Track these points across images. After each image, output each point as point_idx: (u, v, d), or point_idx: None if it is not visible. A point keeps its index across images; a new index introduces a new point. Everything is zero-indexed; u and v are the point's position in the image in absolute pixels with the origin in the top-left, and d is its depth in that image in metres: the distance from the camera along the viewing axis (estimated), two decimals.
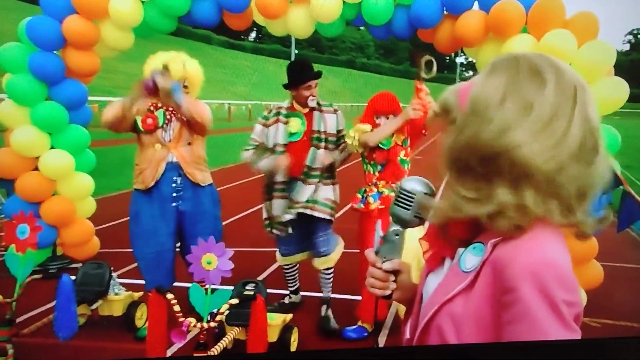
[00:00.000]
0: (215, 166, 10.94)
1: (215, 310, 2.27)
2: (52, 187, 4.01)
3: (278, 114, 3.31)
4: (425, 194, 0.93)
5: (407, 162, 3.21)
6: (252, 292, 2.71)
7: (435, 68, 2.89)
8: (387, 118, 3.13)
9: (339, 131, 3.36)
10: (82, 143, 4.11)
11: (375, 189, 3.14)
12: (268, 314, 2.66)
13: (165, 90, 2.93)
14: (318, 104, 3.33)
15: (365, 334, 3.20)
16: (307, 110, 3.30)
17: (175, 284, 3.26)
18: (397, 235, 0.96)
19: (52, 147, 3.96)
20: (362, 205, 3.15)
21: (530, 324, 0.72)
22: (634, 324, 3.40)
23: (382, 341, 3.22)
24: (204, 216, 3.19)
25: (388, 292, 0.97)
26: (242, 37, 68.68)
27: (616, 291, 3.89)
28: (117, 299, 3.20)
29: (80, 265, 3.38)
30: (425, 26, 3.57)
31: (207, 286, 2.18)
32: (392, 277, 0.97)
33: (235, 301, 2.31)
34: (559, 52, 3.08)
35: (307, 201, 3.26)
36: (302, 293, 3.76)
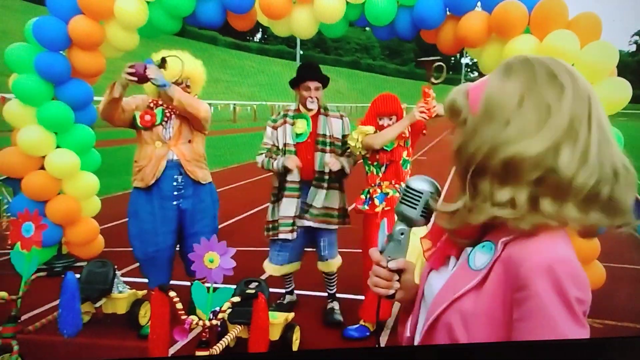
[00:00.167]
0: (220, 166, 10.98)
1: (217, 309, 2.29)
2: (57, 186, 4.05)
3: (285, 115, 3.37)
4: (432, 193, 0.93)
5: (408, 163, 3.22)
6: (254, 291, 2.73)
7: (444, 73, 2.93)
8: (390, 119, 3.15)
9: (344, 136, 3.38)
10: (88, 143, 4.15)
11: (379, 190, 3.15)
12: (270, 312, 2.68)
13: (154, 82, 2.91)
14: (325, 108, 3.36)
15: (367, 333, 3.22)
16: (312, 113, 3.33)
17: (177, 282, 3.28)
18: (402, 234, 0.95)
19: (57, 147, 3.99)
20: (367, 207, 3.16)
21: (543, 320, 0.73)
22: (635, 325, 3.39)
23: (383, 341, 3.23)
24: (204, 214, 3.21)
25: (392, 292, 0.97)
26: (248, 38, 68.84)
27: (618, 292, 3.88)
28: (121, 297, 3.23)
29: (85, 263, 3.41)
30: (428, 27, 3.57)
31: (209, 284, 2.20)
32: (397, 277, 0.97)
33: (237, 299, 2.33)
34: (562, 53, 3.08)
35: (325, 215, 3.29)
36: (303, 292, 3.79)
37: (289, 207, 3.29)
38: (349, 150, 3.33)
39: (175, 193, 3.11)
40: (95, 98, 4.14)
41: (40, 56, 3.70)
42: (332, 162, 3.24)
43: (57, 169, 3.95)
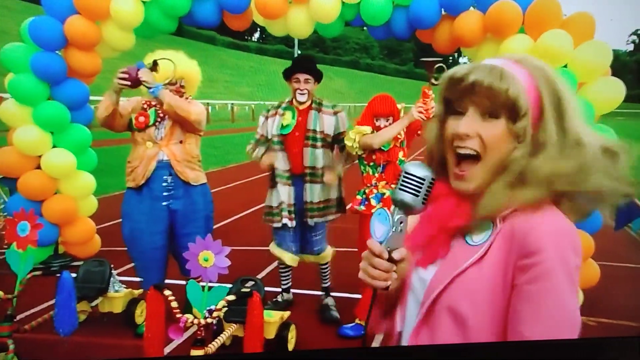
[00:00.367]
0: (219, 166, 10.99)
1: (213, 307, 2.30)
2: (54, 185, 4.05)
3: (278, 107, 3.41)
4: (432, 179, 0.91)
5: (404, 163, 3.23)
6: (249, 290, 2.74)
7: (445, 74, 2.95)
8: (387, 120, 3.16)
9: (340, 133, 3.39)
10: (84, 142, 4.15)
11: (375, 190, 3.16)
12: (266, 311, 2.69)
13: (146, 84, 2.92)
14: (319, 103, 3.37)
15: (363, 332, 3.23)
16: (304, 107, 3.34)
17: (172, 281, 3.29)
18: (401, 222, 0.91)
19: (54, 146, 4.00)
20: (364, 207, 3.17)
21: (549, 284, 0.81)
22: (630, 323, 3.41)
23: (379, 339, 3.23)
24: (195, 215, 3.20)
25: (389, 283, 0.92)
26: (246, 37, 68.83)
27: (613, 290, 3.90)
28: (117, 296, 3.24)
29: (81, 263, 3.42)
30: (424, 26, 3.59)
31: (204, 283, 2.21)
32: (394, 267, 0.94)
33: (231, 298, 2.34)
34: (556, 52, 3.10)
35: (324, 208, 3.34)
36: (299, 291, 3.80)
37: (283, 193, 3.33)
38: (343, 146, 3.36)
39: (165, 194, 3.11)
40: (92, 98, 4.15)
41: (36, 56, 3.71)
42: (329, 180, 3.29)
43: (54, 168, 3.95)
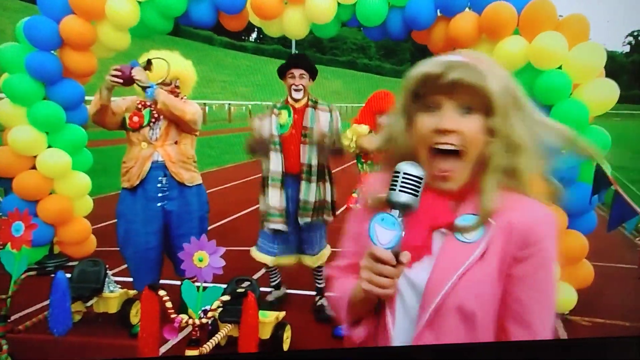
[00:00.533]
0: (215, 166, 10.99)
1: (208, 307, 2.30)
2: (49, 185, 4.04)
3: (274, 107, 3.41)
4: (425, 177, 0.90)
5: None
6: (244, 290, 2.74)
7: None
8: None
9: (333, 129, 3.38)
10: (79, 142, 4.14)
11: None
12: (261, 311, 2.69)
13: (140, 83, 2.92)
14: (314, 101, 3.38)
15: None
16: (300, 105, 3.35)
17: (166, 281, 3.29)
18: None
19: (49, 146, 3.99)
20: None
21: (548, 271, 0.90)
22: (624, 323, 3.43)
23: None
24: (190, 216, 3.20)
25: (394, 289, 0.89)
26: (244, 37, 68.77)
27: (607, 290, 3.91)
28: (112, 296, 3.23)
29: (77, 263, 3.41)
30: (419, 27, 3.60)
31: (198, 283, 2.21)
32: (400, 271, 0.90)
33: (226, 298, 2.34)
34: (551, 54, 3.11)
35: (319, 208, 3.33)
36: (294, 291, 3.80)
37: (274, 197, 3.32)
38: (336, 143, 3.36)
39: (160, 195, 3.10)
40: (87, 98, 4.14)
41: (31, 56, 3.70)
42: (319, 155, 3.29)
43: (49, 168, 3.94)
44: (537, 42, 3.13)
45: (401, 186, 0.87)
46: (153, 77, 3.01)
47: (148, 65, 3.00)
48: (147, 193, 3.09)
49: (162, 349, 2.87)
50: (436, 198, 0.94)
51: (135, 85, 2.98)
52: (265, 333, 2.89)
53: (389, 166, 1.01)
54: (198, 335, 2.28)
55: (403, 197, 0.87)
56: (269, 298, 3.66)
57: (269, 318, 2.93)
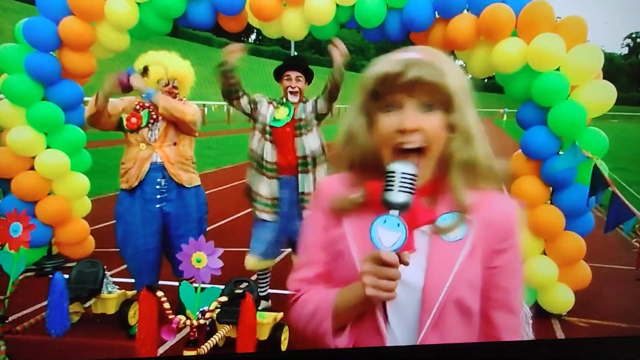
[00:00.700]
0: (214, 167, 10.99)
1: (206, 308, 2.30)
2: (47, 186, 4.04)
3: (274, 99, 3.43)
4: None
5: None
6: (242, 291, 2.74)
7: None
8: None
9: (319, 114, 3.37)
10: (78, 143, 4.15)
11: None
12: (259, 312, 2.70)
13: (138, 90, 2.95)
14: (306, 99, 3.39)
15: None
16: (295, 106, 3.36)
17: (165, 282, 3.29)
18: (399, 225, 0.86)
19: (48, 147, 3.99)
20: None
21: (520, 259, 0.97)
22: (622, 324, 3.43)
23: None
24: (188, 218, 3.20)
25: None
26: (243, 39, 68.74)
27: (605, 291, 3.92)
28: (110, 297, 3.23)
29: (75, 264, 3.41)
30: (417, 29, 3.61)
31: (196, 284, 2.21)
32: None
33: (224, 299, 2.34)
34: (548, 56, 3.12)
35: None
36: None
37: (265, 186, 3.34)
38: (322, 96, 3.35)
39: (159, 196, 3.10)
40: (86, 99, 4.15)
41: (30, 57, 3.71)
42: (311, 142, 3.29)
43: (47, 169, 3.95)
44: (535, 44, 3.15)
45: (400, 186, 0.86)
46: (150, 82, 3.04)
47: (144, 71, 3.02)
48: (146, 194, 3.09)
49: (160, 350, 2.87)
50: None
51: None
52: (263, 334, 2.89)
53: (346, 167, 1.01)
54: (196, 336, 2.28)
55: (403, 197, 0.86)
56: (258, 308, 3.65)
57: (266, 319, 2.93)
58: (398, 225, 0.84)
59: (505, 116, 39.88)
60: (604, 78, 3.30)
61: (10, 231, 2.45)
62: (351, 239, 0.96)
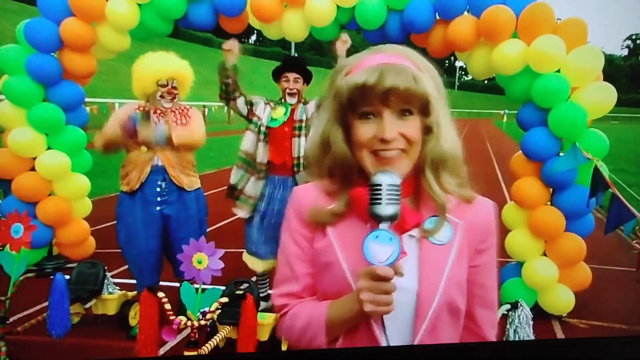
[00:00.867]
0: (215, 167, 10.99)
1: (206, 309, 2.30)
2: (48, 187, 4.05)
3: (272, 100, 3.44)
4: None
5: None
6: (242, 292, 2.75)
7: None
8: None
9: None
10: (79, 144, 4.15)
11: None
12: (259, 313, 2.70)
13: (145, 139, 2.96)
14: (306, 100, 3.40)
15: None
16: (293, 105, 3.36)
17: (165, 283, 3.29)
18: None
19: (48, 148, 3.99)
20: None
21: (494, 261, 1.01)
22: (622, 326, 3.43)
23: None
24: (189, 221, 3.19)
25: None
26: (243, 39, 68.79)
27: (605, 293, 3.93)
28: (111, 298, 3.23)
29: (75, 264, 3.41)
30: (418, 31, 3.61)
31: (197, 285, 2.21)
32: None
33: (225, 300, 2.35)
34: (549, 57, 3.13)
35: None
36: None
37: (252, 186, 3.35)
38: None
39: (159, 199, 3.10)
40: (87, 99, 4.15)
41: (31, 58, 3.71)
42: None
43: (48, 170, 3.95)
44: (535, 46, 3.15)
45: (388, 198, 0.85)
46: (149, 83, 3.03)
47: (147, 116, 3.02)
48: (146, 197, 3.08)
49: (161, 351, 2.87)
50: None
51: (136, 85, 3.01)
52: (264, 335, 2.89)
53: (323, 175, 1.00)
54: (197, 337, 2.28)
55: (392, 209, 0.85)
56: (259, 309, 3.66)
57: (267, 320, 2.93)
58: (390, 239, 0.84)
59: (505, 117, 39.89)
60: (603, 79, 3.30)
61: (11, 232, 2.45)
62: (339, 249, 0.95)
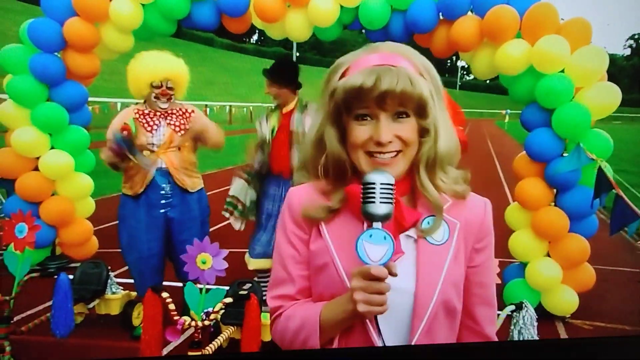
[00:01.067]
0: (216, 167, 10.99)
1: (210, 309, 2.30)
2: (51, 187, 4.05)
3: (271, 110, 3.44)
4: None
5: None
6: (246, 292, 2.74)
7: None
8: None
9: None
10: (82, 144, 4.15)
11: None
12: (263, 313, 2.70)
13: (140, 162, 2.94)
14: (305, 105, 3.37)
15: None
16: (287, 110, 3.35)
17: (169, 283, 3.29)
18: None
19: (52, 148, 4.00)
20: None
21: (492, 259, 1.02)
22: (625, 327, 3.43)
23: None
24: (191, 223, 3.18)
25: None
26: (245, 39, 68.87)
27: (608, 294, 3.92)
28: (114, 298, 3.23)
29: (78, 264, 3.41)
30: (421, 31, 3.61)
31: (201, 285, 2.21)
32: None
33: (229, 300, 2.34)
34: (553, 58, 3.12)
35: None
36: None
37: (248, 195, 3.45)
38: None
39: (163, 202, 3.08)
40: (90, 99, 4.15)
41: (34, 57, 3.71)
42: None
43: (51, 170, 3.95)
44: (539, 46, 3.14)
45: (381, 197, 0.85)
46: (142, 88, 3.01)
47: (128, 133, 2.90)
48: (150, 200, 3.06)
49: (165, 351, 2.87)
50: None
51: (131, 87, 3.02)
52: (268, 335, 2.89)
53: (317, 175, 1.00)
54: (200, 337, 2.28)
55: (385, 208, 0.85)
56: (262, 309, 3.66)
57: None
58: (384, 238, 0.83)
59: (507, 117, 39.83)
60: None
61: (15, 232, 2.45)
62: (334, 250, 0.95)
